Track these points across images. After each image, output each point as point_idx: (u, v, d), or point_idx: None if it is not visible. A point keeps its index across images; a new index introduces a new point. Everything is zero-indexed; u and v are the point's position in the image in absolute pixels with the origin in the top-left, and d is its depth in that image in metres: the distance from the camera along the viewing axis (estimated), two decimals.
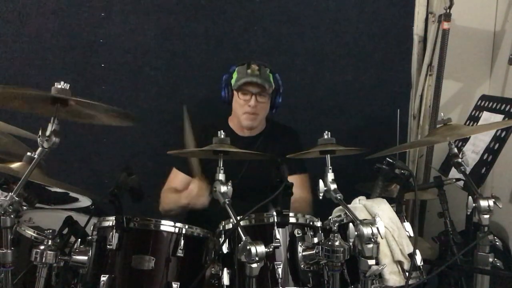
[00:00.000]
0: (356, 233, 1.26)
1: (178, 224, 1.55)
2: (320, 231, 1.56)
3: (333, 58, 2.75)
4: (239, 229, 1.33)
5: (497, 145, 2.01)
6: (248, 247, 1.24)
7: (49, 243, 1.40)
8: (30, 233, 1.60)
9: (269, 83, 2.10)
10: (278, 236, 1.46)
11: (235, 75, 2.12)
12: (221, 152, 1.56)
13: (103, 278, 1.43)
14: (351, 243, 1.31)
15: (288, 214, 1.50)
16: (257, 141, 2.21)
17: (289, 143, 2.21)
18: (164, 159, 2.50)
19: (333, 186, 1.45)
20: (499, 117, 2.15)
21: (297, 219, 1.55)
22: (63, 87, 1.34)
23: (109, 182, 2.54)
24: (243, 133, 2.23)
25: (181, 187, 2.15)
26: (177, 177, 2.20)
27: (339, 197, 1.42)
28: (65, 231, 1.54)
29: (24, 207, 1.42)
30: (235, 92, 2.13)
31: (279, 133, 2.27)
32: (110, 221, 1.52)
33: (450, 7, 2.46)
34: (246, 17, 2.66)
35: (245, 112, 2.13)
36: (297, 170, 2.13)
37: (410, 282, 1.41)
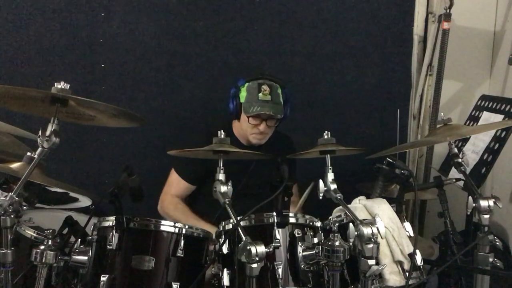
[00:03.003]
0: (356, 233, 1.26)
1: (178, 224, 1.55)
2: (320, 231, 1.56)
3: (333, 58, 2.74)
4: (239, 229, 1.33)
5: (497, 145, 2.01)
6: (248, 247, 1.24)
7: (49, 243, 1.40)
8: (30, 233, 1.59)
9: (280, 111, 2.04)
10: (278, 236, 1.46)
11: (244, 93, 2.05)
12: (221, 152, 1.56)
13: (103, 278, 1.43)
14: (351, 243, 1.31)
15: (288, 214, 1.49)
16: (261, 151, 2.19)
17: (288, 151, 2.20)
18: (164, 159, 2.50)
19: (333, 186, 1.45)
20: (499, 117, 2.15)
21: (297, 219, 1.55)
22: (63, 87, 1.33)
23: (109, 182, 2.55)
24: (248, 143, 2.19)
25: (183, 195, 2.17)
26: (179, 185, 2.17)
27: (339, 197, 1.42)
28: (65, 231, 1.54)
29: (24, 207, 1.42)
30: (243, 113, 2.07)
31: (279, 142, 2.27)
32: (110, 221, 1.53)
33: (450, 7, 2.45)
34: (246, 17, 2.66)
35: (254, 133, 2.11)
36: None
37: (410, 282, 1.41)
